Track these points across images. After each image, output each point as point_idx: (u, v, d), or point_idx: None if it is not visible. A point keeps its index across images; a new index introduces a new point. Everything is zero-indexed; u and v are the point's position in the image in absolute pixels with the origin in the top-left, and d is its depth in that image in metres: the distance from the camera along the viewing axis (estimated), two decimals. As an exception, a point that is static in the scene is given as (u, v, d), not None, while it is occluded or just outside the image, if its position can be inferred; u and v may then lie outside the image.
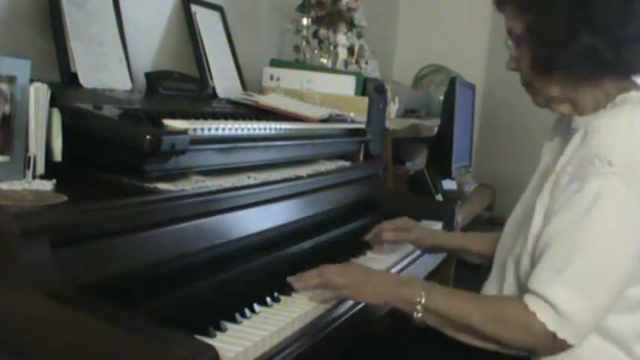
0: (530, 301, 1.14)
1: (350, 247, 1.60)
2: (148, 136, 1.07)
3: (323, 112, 1.77)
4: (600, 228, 1.12)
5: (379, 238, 1.66)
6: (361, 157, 2.04)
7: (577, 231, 1.13)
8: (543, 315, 1.12)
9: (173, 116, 1.21)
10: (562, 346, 1.14)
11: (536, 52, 1.23)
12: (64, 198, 0.98)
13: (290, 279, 1.25)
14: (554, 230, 1.16)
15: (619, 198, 1.12)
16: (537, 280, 1.15)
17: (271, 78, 2.07)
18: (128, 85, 1.54)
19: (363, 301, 1.29)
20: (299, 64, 2.21)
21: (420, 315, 1.21)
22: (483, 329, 1.17)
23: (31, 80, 1.06)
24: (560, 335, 1.12)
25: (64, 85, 1.38)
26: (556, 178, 1.20)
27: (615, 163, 1.12)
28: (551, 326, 1.12)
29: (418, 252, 1.72)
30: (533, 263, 1.20)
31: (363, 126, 1.97)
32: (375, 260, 1.56)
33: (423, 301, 1.20)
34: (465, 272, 1.31)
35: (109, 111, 1.14)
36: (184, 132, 1.15)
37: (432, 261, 1.87)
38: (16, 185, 1.02)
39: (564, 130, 1.31)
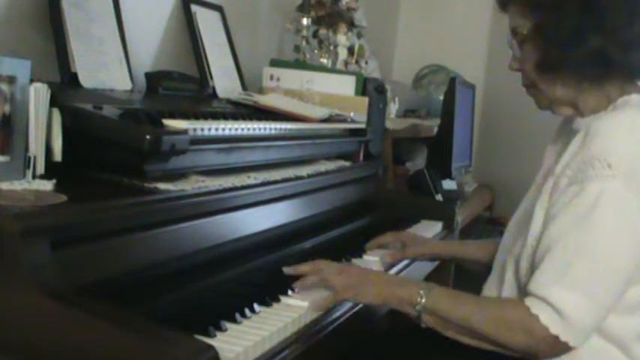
0: (532, 303, 1.14)
1: (350, 247, 1.59)
2: (147, 136, 1.07)
3: (323, 112, 1.77)
4: (601, 231, 1.12)
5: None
6: (361, 157, 2.04)
7: (578, 234, 1.13)
8: (546, 318, 1.12)
9: (173, 116, 1.21)
10: (563, 348, 1.14)
11: (543, 52, 1.23)
12: (64, 198, 0.98)
13: (286, 269, 1.26)
14: (555, 233, 1.16)
15: (619, 200, 1.12)
16: (539, 283, 1.14)
17: (271, 78, 2.06)
18: (128, 85, 1.54)
19: (362, 302, 1.27)
20: (299, 64, 2.21)
21: (419, 316, 1.20)
22: (483, 331, 1.17)
23: (31, 80, 1.06)
24: (563, 338, 1.12)
25: (64, 85, 1.38)
26: (556, 180, 1.20)
27: (615, 165, 1.12)
28: (554, 329, 1.12)
29: None
30: (533, 265, 1.20)
31: (363, 126, 1.97)
32: (372, 262, 1.54)
33: (423, 301, 1.19)
34: (465, 273, 1.31)
35: (109, 111, 1.14)
36: (184, 132, 1.15)
37: (430, 263, 1.85)
38: (16, 185, 1.02)
39: (567, 133, 1.31)
